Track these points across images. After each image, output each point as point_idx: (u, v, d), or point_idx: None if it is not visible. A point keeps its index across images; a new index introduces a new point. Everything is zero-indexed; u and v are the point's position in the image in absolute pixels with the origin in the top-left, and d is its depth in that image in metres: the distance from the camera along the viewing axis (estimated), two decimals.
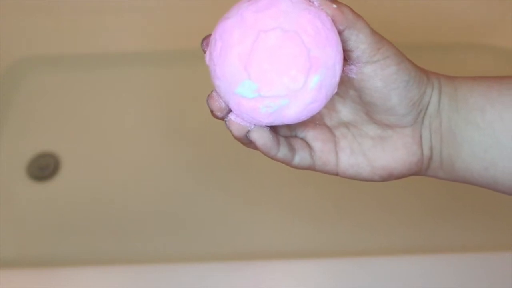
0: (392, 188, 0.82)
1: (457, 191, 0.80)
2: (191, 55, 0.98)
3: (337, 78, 0.30)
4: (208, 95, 0.31)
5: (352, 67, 0.32)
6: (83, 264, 0.69)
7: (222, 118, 0.32)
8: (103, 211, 0.83)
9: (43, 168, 0.88)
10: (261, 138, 0.31)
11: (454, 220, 0.78)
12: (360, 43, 0.30)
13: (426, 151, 0.34)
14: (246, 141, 0.32)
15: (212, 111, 0.32)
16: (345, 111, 0.35)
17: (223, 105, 0.31)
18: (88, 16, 0.96)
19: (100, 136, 0.91)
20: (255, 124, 0.31)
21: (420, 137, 0.34)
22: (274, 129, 0.33)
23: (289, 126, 0.34)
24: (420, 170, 0.35)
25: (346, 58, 0.32)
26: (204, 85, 0.98)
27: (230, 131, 0.31)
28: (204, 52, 0.31)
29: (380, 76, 0.31)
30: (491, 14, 0.92)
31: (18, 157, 0.89)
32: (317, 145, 0.34)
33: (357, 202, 0.81)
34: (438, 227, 0.78)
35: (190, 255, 0.77)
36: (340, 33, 0.30)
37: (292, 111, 0.30)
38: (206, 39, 0.31)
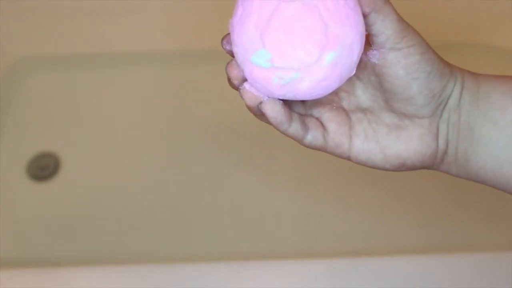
0: (392, 188, 0.82)
1: (457, 191, 0.80)
2: (192, 55, 0.98)
3: (355, 59, 0.30)
4: (228, 63, 0.31)
5: (375, 52, 0.31)
6: (83, 264, 0.69)
7: (237, 87, 0.32)
8: (103, 211, 0.83)
9: (43, 168, 0.88)
10: (273, 110, 0.31)
11: (454, 220, 0.78)
12: (386, 28, 0.30)
13: (442, 145, 0.34)
14: (258, 113, 0.32)
15: (229, 79, 0.32)
16: (364, 97, 0.35)
17: (240, 73, 0.31)
18: (88, 16, 0.96)
19: (100, 136, 0.91)
20: (268, 96, 0.31)
21: (437, 129, 0.34)
22: (288, 105, 0.33)
23: (305, 104, 0.34)
24: (433, 164, 0.35)
25: (370, 42, 0.31)
26: (204, 85, 0.99)
27: (243, 99, 0.32)
28: (224, 49, 0.32)
29: (402, 64, 0.31)
30: (491, 14, 0.92)
31: (18, 157, 0.89)
32: (331, 126, 0.34)
33: (357, 203, 0.81)
34: (438, 227, 0.78)
35: (190, 255, 0.77)
36: (365, 16, 0.30)
37: (304, 85, 0.29)
38: (226, 37, 0.32)
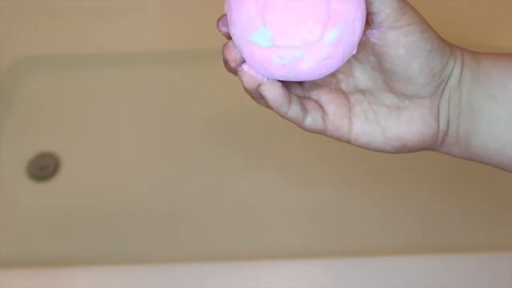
0: (392, 188, 0.82)
1: (457, 191, 0.80)
2: (192, 55, 0.98)
3: (356, 36, 0.29)
4: (224, 45, 0.30)
5: (374, 31, 0.31)
6: (83, 264, 0.69)
7: (235, 70, 0.31)
8: (103, 211, 0.83)
9: (43, 168, 0.88)
10: (272, 92, 0.30)
11: (454, 220, 0.78)
12: (385, 6, 0.30)
13: (443, 125, 0.34)
14: (257, 95, 0.31)
15: (226, 62, 0.31)
16: (363, 78, 0.34)
17: (238, 55, 0.30)
18: (88, 16, 0.96)
19: (100, 136, 0.91)
20: (267, 77, 0.30)
21: (438, 109, 0.33)
22: (286, 87, 0.32)
23: (303, 86, 0.34)
24: (434, 145, 0.34)
25: (369, 21, 0.31)
26: (204, 85, 0.98)
27: (242, 82, 0.31)
28: (220, 31, 0.31)
29: (402, 42, 0.30)
30: (491, 14, 0.92)
31: (18, 157, 0.89)
32: (330, 108, 0.33)
33: (357, 203, 0.81)
34: (439, 227, 0.78)
35: (190, 255, 0.77)
36: None
37: (306, 64, 0.29)
38: (222, 18, 0.31)
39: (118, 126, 0.93)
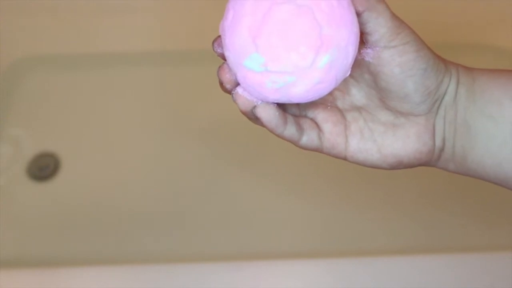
0: (392, 189, 0.82)
1: (457, 191, 0.80)
2: (191, 55, 0.98)
3: (350, 61, 0.29)
4: (219, 66, 0.31)
5: (369, 50, 0.31)
6: (83, 264, 0.69)
7: (230, 92, 0.31)
8: (103, 211, 0.83)
9: (43, 168, 0.88)
10: (267, 114, 0.31)
11: (454, 220, 0.78)
12: (379, 26, 0.30)
13: (438, 142, 0.34)
14: (252, 117, 0.32)
15: (221, 83, 0.31)
16: (359, 95, 0.34)
17: (233, 77, 0.30)
18: (88, 16, 0.96)
19: (100, 136, 0.91)
20: (262, 100, 0.30)
21: (434, 127, 0.33)
22: (282, 107, 0.32)
23: (299, 105, 0.34)
24: (430, 161, 0.34)
25: (364, 41, 0.31)
26: (204, 85, 0.99)
27: (237, 104, 0.31)
28: (216, 52, 0.31)
29: (397, 62, 0.30)
30: (491, 14, 0.92)
31: (18, 157, 0.89)
32: (326, 126, 0.33)
33: (357, 203, 0.81)
34: (438, 227, 0.78)
35: (190, 255, 0.77)
36: (359, 14, 0.29)
37: (298, 89, 0.29)
38: (217, 40, 0.31)
39: (118, 126, 0.93)
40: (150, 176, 0.87)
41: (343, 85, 0.34)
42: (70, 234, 0.81)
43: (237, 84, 0.30)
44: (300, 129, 0.32)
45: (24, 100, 0.96)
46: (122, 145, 0.90)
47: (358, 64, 0.32)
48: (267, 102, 0.30)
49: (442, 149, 0.34)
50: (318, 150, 0.34)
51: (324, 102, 0.34)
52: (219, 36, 0.30)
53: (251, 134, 0.89)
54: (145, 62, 0.98)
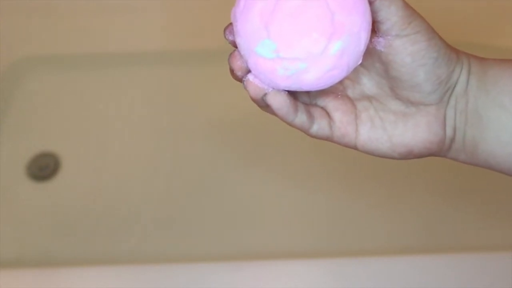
0: (393, 189, 0.82)
1: (457, 191, 0.80)
2: (192, 55, 0.98)
3: (362, 48, 0.29)
4: (230, 53, 0.31)
5: (381, 39, 0.31)
6: (83, 264, 0.69)
7: (241, 79, 0.31)
8: (103, 211, 0.83)
9: (43, 168, 0.88)
10: (278, 102, 0.30)
11: (454, 220, 0.78)
12: (391, 15, 0.29)
13: (449, 132, 0.33)
14: (263, 104, 0.31)
15: (232, 70, 0.31)
16: (369, 84, 0.34)
17: (244, 64, 0.30)
18: (88, 16, 0.96)
19: (100, 136, 0.91)
20: (272, 87, 0.30)
21: (444, 116, 0.33)
22: (293, 95, 0.32)
23: (309, 94, 0.34)
24: (440, 151, 0.34)
25: (375, 29, 0.31)
26: (204, 85, 0.98)
27: (247, 91, 0.31)
28: (227, 39, 0.31)
29: (409, 51, 0.30)
30: (491, 14, 0.92)
31: (18, 157, 0.89)
32: (337, 115, 0.33)
33: (357, 203, 0.81)
34: (439, 227, 0.78)
35: (190, 255, 0.77)
36: (371, 3, 0.29)
37: (310, 76, 0.29)
38: (228, 27, 0.31)
39: (118, 126, 0.93)
40: (150, 176, 0.87)
41: (354, 74, 0.34)
42: (70, 234, 0.81)
43: (248, 71, 0.30)
44: (311, 118, 0.32)
45: (24, 100, 0.96)
46: (122, 145, 0.90)
47: (369, 53, 0.32)
48: (278, 90, 0.30)
49: (452, 139, 0.34)
50: (328, 139, 0.34)
51: (334, 91, 0.34)
52: (231, 24, 0.30)
53: (251, 134, 0.89)
54: (145, 62, 0.98)
